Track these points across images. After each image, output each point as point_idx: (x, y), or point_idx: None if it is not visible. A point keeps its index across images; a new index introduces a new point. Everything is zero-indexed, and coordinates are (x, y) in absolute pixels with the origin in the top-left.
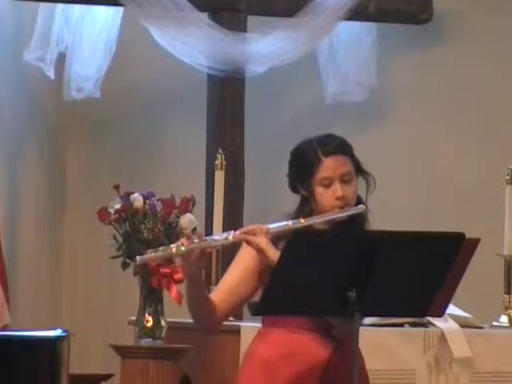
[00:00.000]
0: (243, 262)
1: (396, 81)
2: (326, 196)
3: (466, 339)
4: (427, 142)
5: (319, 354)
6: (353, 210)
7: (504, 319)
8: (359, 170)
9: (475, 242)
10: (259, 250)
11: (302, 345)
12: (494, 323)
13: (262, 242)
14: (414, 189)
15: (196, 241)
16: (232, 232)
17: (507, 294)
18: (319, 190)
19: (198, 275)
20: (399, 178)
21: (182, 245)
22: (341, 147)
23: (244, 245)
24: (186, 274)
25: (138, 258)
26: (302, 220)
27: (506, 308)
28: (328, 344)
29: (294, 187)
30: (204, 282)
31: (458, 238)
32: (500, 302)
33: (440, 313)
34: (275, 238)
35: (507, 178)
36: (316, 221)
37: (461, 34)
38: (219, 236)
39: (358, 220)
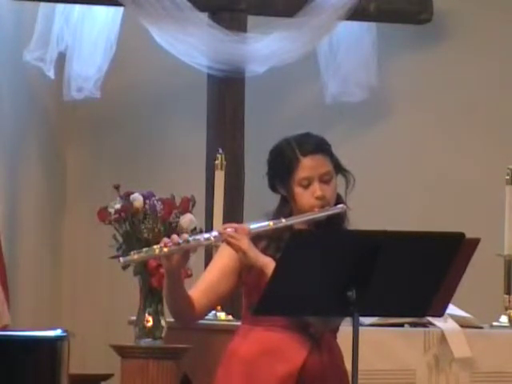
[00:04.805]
0: (222, 261)
1: (396, 81)
2: (305, 196)
3: (466, 339)
4: (427, 142)
5: (297, 352)
6: (333, 210)
7: (504, 319)
8: (338, 168)
9: (475, 242)
10: (240, 251)
11: (281, 343)
12: (494, 323)
13: (244, 243)
14: (414, 189)
15: (179, 241)
16: (214, 232)
17: (507, 294)
18: (298, 190)
19: (178, 272)
20: (399, 178)
21: (165, 246)
22: (319, 146)
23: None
24: (166, 271)
25: (121, 259)
26: (283, 220)
27: (506, 308)
28: (306, 343)
29: (273, 187)
30: (182, 278)
31: (458, 237)
32: (500, 302)
33: (440, 313)
34: (256, 238)
35: (507, 178)
36: (297, 220)
37: (461, 34)
38: (201, 236)
39: (338, 219)
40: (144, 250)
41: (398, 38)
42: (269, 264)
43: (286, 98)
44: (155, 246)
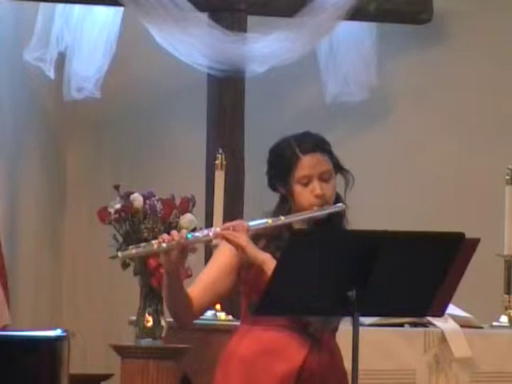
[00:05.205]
0: (222, 258)
1: (396, 81)
2: (304, 194)
3: (466, 339)
4: (427, 142)
5: (296, 351)
6: (332, 209)
7: (504, 319)
8: (338, 167)
9: (475, 242)
10: (239, 248)
11: (281, 342)
12: (494, 323)
13: (242, 240)
14: (414, 189)
15: (177, 238)
16: (213, 229)
17: (507, 294)
18: (298, 189)
19: (177, 270)
20: (399, 178)
21: (164, 241)
22: (319, 145)
23: (224, 241)
24: (165, 268)
25: (119, 253)
26: (282, 218)
27: (506, 308)
28: (305, 342)
29: (273, 186)
30: (181, 277)
31: (458, 238)
32: (500, 302)
33: (440, 313)
34: (256, 237)
35: (507, 178)
36: (296, 219)
37: (460, 34)
38: (200, 233)
39: (337, 218)
40: (142, 244)
41: (398, 38)
42: (268, 261)
43: (286, 98)
44: (154, 242)
